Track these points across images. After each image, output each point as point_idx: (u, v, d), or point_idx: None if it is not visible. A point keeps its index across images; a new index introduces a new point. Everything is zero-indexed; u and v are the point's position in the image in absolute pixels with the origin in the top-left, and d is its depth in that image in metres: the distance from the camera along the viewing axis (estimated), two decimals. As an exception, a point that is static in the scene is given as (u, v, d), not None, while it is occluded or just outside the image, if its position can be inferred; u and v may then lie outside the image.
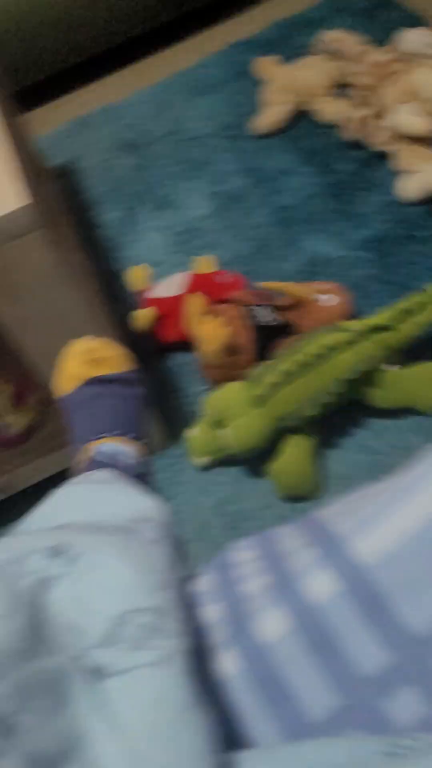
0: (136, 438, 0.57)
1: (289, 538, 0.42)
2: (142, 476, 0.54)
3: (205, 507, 1.04)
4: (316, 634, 0.32)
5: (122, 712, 0.28)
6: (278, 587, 0.35)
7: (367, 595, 0.32)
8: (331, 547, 0.35)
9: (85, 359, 0.58)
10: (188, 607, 0.36)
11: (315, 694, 0.31)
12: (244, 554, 0.43)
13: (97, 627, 0.32)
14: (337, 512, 0.41)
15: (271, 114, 1.50)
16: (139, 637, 0.30)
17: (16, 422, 1.01)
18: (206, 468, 1.07)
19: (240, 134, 1.55)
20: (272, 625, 0.33)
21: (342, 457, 1.05)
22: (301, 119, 1.54)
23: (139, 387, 0.60)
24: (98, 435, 0.56)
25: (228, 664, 0.33)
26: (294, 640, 0.32)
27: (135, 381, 0.60)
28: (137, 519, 0.42)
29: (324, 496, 1.01)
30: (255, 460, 1.06)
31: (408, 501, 0.34)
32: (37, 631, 0.30)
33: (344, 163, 1.42)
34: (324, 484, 1.03)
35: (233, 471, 1.07)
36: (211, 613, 0.38)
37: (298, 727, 0.30)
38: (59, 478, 0.50)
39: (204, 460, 1.05)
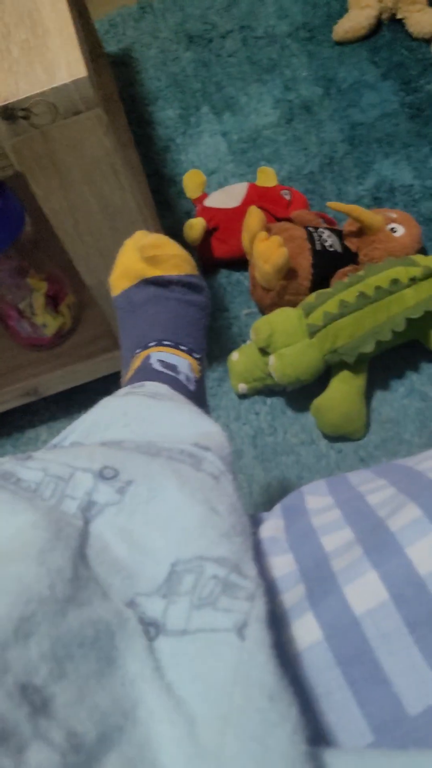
0: (196, 352, 0.50)
1: (375, 487, 0.35)
2: (198, 397, 0.47)
3: (240, 435, 0.99)
4: (419, 611, 0.26)
5: (181, 685, 0.22)
6: (370, 547, 0.28)
7: None
8: None
9: (144, 255, 0.51)
10: (256, 553, 0.30)
11: (412, 681, 0.25)
12: (318, 500, 0.37)
13: (154, 571, 0.26)
14: None
15: (353, 18, 1.36)
16: (207, 593, 0.25)
17: (48, 323, 0.95)
18: (245, 395, 1.01)
19: (317, 37, 1.41)
20: (363, 590, 0.27)
21: (391, 399, 0.98)
22: (386, 28, 1.39)
23: (202, 295, 0.53)
24: (155, 342, 0.49)
25: (303, 633, 0.27)
26: (391, 614, 0.26)
27: (199, 287, 0.53)
28: (199, 445, 0.35)
29: (367, 438, 0.95)
30: (298, 393, 1.00)
31: None
32: (80, 572, 0.25)
33: (429, 81, 1.28)
34: (368, 425, 0.96)
35: (273, 401, 1.01)
36: (281, 564, 0.32)
37: (390, 719, 0.25)
38: (89, 389, 0.43)
39: (244, 386, 0.99)
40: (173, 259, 0.51)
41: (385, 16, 1.38)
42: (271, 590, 0.30)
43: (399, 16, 1.36)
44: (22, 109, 0.59)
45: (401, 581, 0.27)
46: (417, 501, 0.30)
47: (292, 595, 0.29)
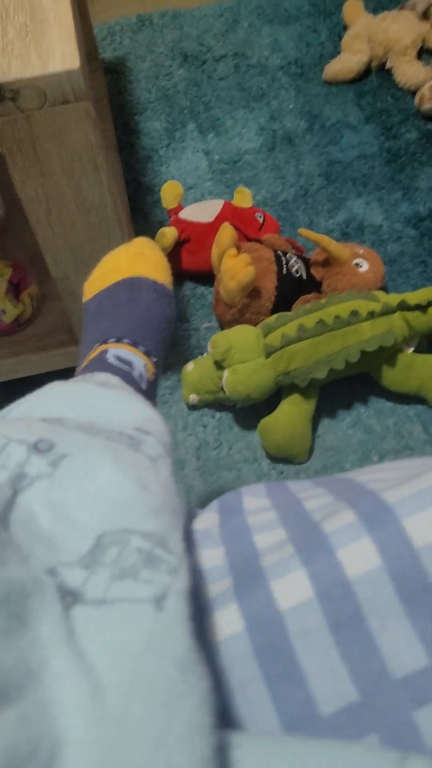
0: (153, 355, 0.50)
1: (313, 494, 0.36)
2: (148, 398, 0.48)
3: (185, 446, 0.99)
4: (343, 612, 0.26)
5: (93, 652, 0.22)
6: (302, 547, 0.29)
7: (415, 580, 0.27)
8: (374, 513, 0.29)
9: (131, 251, 0.52)
10: (187, 544, 0.31)
11: (329, 682, 0.25)
12: (255, 501, 0.37)
13: (78, 542, 0.26)
14: (375, 477, 0.36)
15: (345, 61, 1.41)
16: (129, 565, 0.25)
17: (8, 310, 0.95)
18: (195, 407, 1.02)
19: (307, 74, 1.45)
20: (290, 586, 0.28)
21: (336, 428, 1.00)
22: (375, 75, 1.44)
23: (170, 308, 0.54)
24: (114, 338, 0.49)
25: (225, 623, 0.28)
26: (315, 612, 0.27)
27: (169, 299, 0.54)
28: (141, 430, 0.36)
29: (309, 463, 0.97)
30: (247, 410, 1.01)
31: None
32: (3, 534, 0.25)
33: (410, 130, 1.34)
34: (311, 450, 0.98)
35: (222, 416, 1.02)
36: (210, 557, 0.32)
37: (301, 716, 0.25)
38: (42, 382, 0.44)
39: (195, 397, 0.99)
40: (156, 263, 0.53)
41: (375, 63, 1.44)
42: (198, 580, 0.30)
43: (388, 66, 1.42)
44: (11, 90, 0.59)
45: (329, 581, 0.27)
46: (354, 507, 0.30)
47: (218, 586, 0.30)
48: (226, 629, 0.27)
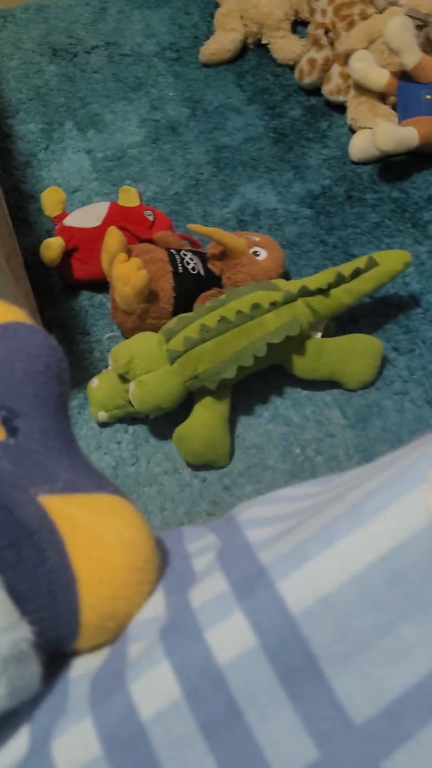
0: (11, 420, 0.38)
1: (202, 546, 0.32)
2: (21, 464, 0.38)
3: (101, 466, 0.94)
4: (215, 710, 0.23)
5: None
6: (168, 630, 0.25)
7: (295, 654, 0.23)
8: (246, 580, 0.25)
9: None
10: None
11: None
12: None
13: None
14: (262, 516, 0.32)
15: (219, 41, 1.36)
16: None
17: None
18: (106, 423, 0.97)
19: (184, 58, 1.40)
20: (154, 687, 0.23)
21: (255, 425, 0.97)
22: (252, 52, 1.40)
23: (36, 344, 0.41)
24: None
25: (77, 747, 0.23)
26: (181, 717, 0.23)
27: (19, 332, 0.42)
28: None
29: (231, 466, 0.94)
30: (161, 420, 0.97)
31: (358, 524, 0.25)
32: None
33: (294, 107, 1.31)
34: (232, 452, 0.95)
35: (136, 429, 0.97)
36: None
37: None
38: None
39: (104, 414, 0.94)
40: None
41: (250, 40, 1.40)
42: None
43: (264, 41, 1.38)
44: None
45: (197, 674, 0.23)
46: (226, 570, 0.27)
47: (75, 694, 0.25)
48: (78, 756, 0.23)
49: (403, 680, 0.22)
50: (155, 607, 0.28)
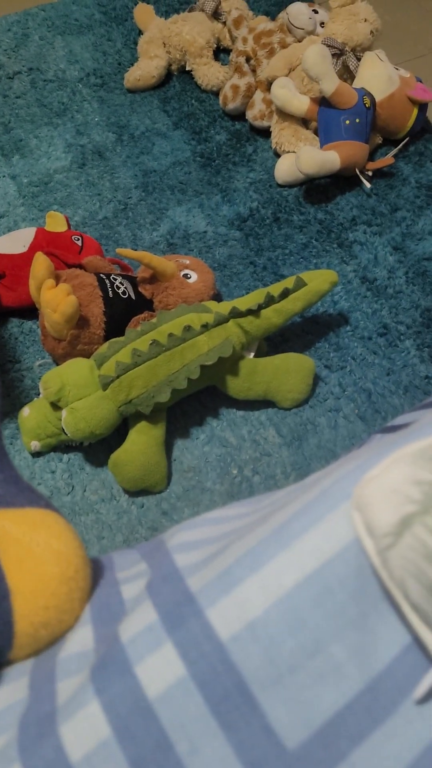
0: None
1: (133, 574, 0.31)
2: None
3: (34, 497, 0.91)
4: (145, 745, 0.22)
5: None
6: (101, 664, 0.24)
7: (226, 682, 0.22)
8: (175, 608, 0.25)
9: None
10: None
11: None
12: None
13: None
14: (190, 540, 0.31)
15: (143, 67, 1.37)
16: None
17: None
18: (39, 453, 0.95)
19: (108, 84, 1.40)
20: (82, 728, 0.23)
21: (192, 447, 0.97)
22: (176, 78, 1.42)
23: None
24: None
25: None
26: (111, 756, 0.22)
27: None
28: None
29: (169, 490, 0.93)
30: (96, 447, 0.95)
31: (284, 545, 0.25)
32: None
33: (219, 132, 1.33)
34: (170, 476, 0.94)
35: (71, 457, 0.95)
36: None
37: None
38: None
39: (37, 444, 0.92)
40: None
41: (174, 66, 1.41)
42: None
43: (188, 68, 1.40)
44: None
45: (126, 710, 0.22)
46: (154, 599, 0.26)
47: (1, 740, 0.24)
48: None
49: (334, 700, 0.22)
50: (83, 641, 0.27)
